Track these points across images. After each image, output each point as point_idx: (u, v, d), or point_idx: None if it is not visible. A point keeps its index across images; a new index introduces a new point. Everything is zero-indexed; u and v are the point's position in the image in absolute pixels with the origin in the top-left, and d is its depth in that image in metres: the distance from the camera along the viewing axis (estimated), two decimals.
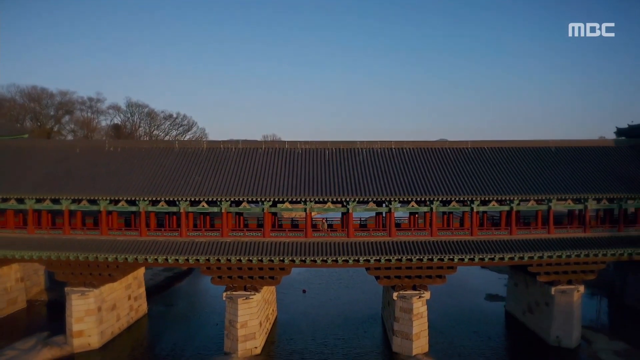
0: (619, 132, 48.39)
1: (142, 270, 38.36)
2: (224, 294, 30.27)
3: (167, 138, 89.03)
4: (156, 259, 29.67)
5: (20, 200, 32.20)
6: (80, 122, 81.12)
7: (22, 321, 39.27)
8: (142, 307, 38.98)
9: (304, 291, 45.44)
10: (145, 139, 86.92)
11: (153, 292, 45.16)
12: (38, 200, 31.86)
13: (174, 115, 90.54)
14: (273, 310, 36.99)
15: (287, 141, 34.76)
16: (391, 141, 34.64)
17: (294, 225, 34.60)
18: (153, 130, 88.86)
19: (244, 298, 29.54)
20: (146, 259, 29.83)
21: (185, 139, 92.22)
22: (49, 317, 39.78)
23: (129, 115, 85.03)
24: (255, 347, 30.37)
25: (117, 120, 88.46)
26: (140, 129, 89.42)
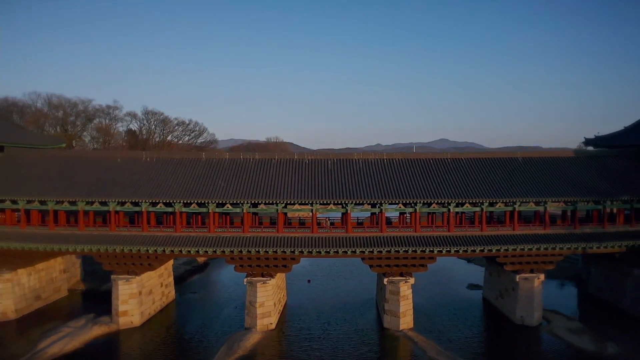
0: (587, 142, 54.87)
1: (171, 262, 44.81)
2: (245, 280, 36.69)
3: (179, 143, 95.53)
4: (189, 251, 36.11)
5: (73, 203, 38.59)
6: (99, 129, 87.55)
7: (66, 306, 45.64)
8: (171, 293, 45.47)
9: (309, 281, 51.83)
10: (160, 144, 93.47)
11: (176, 282, 51.44)
12: (88, 203, 38.28)
13: (187, 122, 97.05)
14: (284, 295, 43.37)
15: (296, 153, 41.19)
16: (383, 153, 41.11)
17: (302, 223, 41.00)
18: (167, 136, 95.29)
19: (262, 282, 35.97)
20: (181, 251, 36.26)
21: (197, 143, 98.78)
22: (89, 302, 46.09)
23: (145, 122, 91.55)
24: (271, 323, 36.79)
25: (133, 126, 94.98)
26: (155, 135, 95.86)
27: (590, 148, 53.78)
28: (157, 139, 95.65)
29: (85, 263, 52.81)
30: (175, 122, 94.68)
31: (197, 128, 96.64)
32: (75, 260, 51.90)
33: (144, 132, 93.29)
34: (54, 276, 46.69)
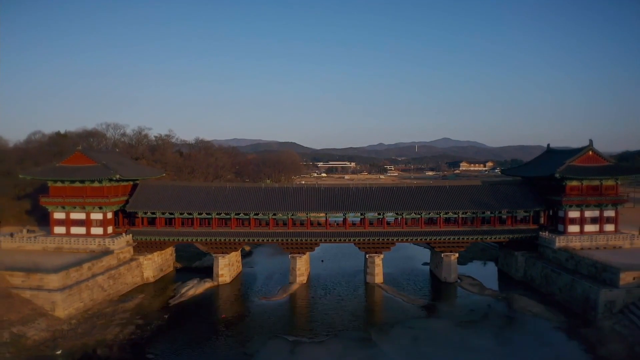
0: (502, 171, 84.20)
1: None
2: (289, 255, 65.85)
3: (219, 163, 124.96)
4: (259, 240, 65.53)
5: (190, 213, 67.86)
6: (166, 156, 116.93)
7: (175, 277, 74.79)
8: (240, 266, 74.83)
9: (322, 261, 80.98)
10: (205, 164, 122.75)
11: None
12: (199, 214, 67.55)
13: (225, 147, 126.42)
14: (309, 266, 72.54)
15: (316, 183, 70.27)
16: (366, 183, 70.16)
17: (319, 223, 70.11)
18: (209, 157, 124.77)
19: (299, 257, 65.18)
20: (254, 240, 65.65)
21: (232, 162, 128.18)
22: (189, 273, 74.97)
23: (196, 147, 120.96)
24: (303, 280, 65.98)
25: (184, 149, 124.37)
26: (200, 155, 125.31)
27: (486, 180, 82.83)
28: (201, 159, 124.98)
29: (177, 251, 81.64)
30: (217, 146, 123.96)
31: (233, 151, 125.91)
32: (172, 249, 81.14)
33: (192, 154, 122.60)
34: (167, 257, 76.09)
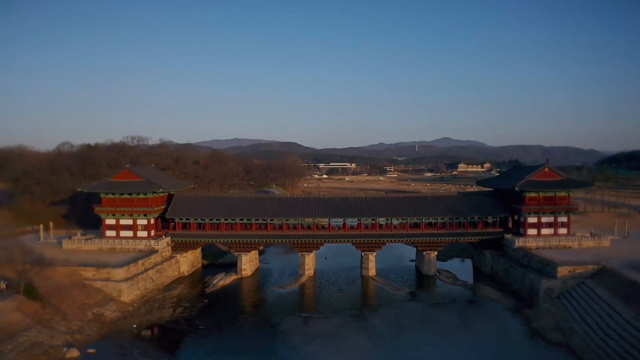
0: (477, 182, 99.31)
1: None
2: (299, 253, 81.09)
3: (233, 172, 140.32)
4: (275, 240, 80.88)
5: (218, 219, 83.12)
6: (187, 165, 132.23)
7: (203, 272, 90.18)
8: (257, 262, 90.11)
9: (325, 258, 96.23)
10: (219, 172, 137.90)
11: None
12: (225, 219, 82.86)
13: (236, 156, 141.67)
14: (314, 262, 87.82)
15: (321, 194, 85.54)
16: (362, 194, 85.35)
17: (323, 227, 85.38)
18: (224, 167, 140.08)
19: (307, 254, 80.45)
20: (270, 240, 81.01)
21: (241, 170, 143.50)
22: (216, 268, 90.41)
23: (213, 159, 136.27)
24: (311, 274, 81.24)
25: (201, 159, 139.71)
26: (215, 164, 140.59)
27: (460, 192, 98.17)
28: (217, 168, 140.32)
29: (202, 250, 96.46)
30: (230, 157, 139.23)
31: (243, 159, 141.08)
32: (200, 248, 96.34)
33: (209, 165, 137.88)
34: (197, 255, 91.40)
